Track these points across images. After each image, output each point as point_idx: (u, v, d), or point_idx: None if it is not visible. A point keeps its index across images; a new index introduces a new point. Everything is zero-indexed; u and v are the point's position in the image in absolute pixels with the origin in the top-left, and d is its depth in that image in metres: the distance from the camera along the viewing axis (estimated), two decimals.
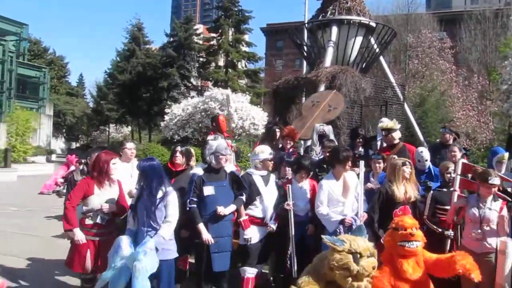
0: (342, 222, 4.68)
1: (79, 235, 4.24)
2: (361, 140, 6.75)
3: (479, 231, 4.26)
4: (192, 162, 5.62)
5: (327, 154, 5.64)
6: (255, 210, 5.01)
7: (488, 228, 4.25)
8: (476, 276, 3.64)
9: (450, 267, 3.73)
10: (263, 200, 4.98)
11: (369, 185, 5.32)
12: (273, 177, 5.24)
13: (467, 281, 4.01)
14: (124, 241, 3.95)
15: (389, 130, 6.29)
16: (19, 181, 18.09)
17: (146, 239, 3.89)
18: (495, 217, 4.25)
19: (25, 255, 6.64)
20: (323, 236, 3.91)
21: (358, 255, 3.69)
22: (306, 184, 5.26)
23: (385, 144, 6.66)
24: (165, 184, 4.14)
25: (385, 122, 6.55)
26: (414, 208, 4.80)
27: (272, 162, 5.24)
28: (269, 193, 5.04)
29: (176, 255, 4.27)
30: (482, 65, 26.06)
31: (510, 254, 4.09)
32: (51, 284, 5.40)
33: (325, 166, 5.74)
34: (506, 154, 5.43)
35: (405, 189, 4.73)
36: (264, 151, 5.20)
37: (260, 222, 4.97)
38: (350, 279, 3.68)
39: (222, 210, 4.54)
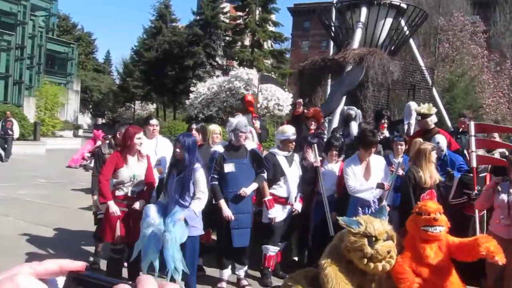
0: (379, 186, 4.76)
1: (113, 208, 4.34)
2: (385, 122, 6.67)
3: (507, 217, 4.21)
4: (217, 139, 5.67)
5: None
6: (279, 190, 5.05)
7: None
8: (500, 259, 3.59)
9: (473, 250, 3.68)
10: (287, 180, 5.02)
11: (400, 171, 5.21)
12: (297, 157, 5.26)
13: (491, 265, 3.98)
14: (152, 209, 4.05)
15: (425, 115, 6.17)
16: (48, 154, 18.57)
17: (175, 209, 3.98)
18: None
19: (53, 225, 6.87)
20: (339, 218, 3.92)
21: (374, 238, 3.69)
22: (336, 166, 5.26)
23: (413, 129, 6.57)
24: (198, 160, 4.25)
25: (422, 106, 6.43)
26: (437, 191, 4.77)
27: (293, 143, 5.20)
28: (293, 173, 5.08)
29: (202, 232, 4.36)
30: None
31: None
32: (78, 253, 5.58)
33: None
34: None
35: (430, 173, 4.69)
36: (286, 131, 5.19)
37: (284, 201, 5.02)
38: (365, 260, 3.69)
39: (244, 191, 4.60)
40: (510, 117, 19.89)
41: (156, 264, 3.90)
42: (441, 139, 5.66)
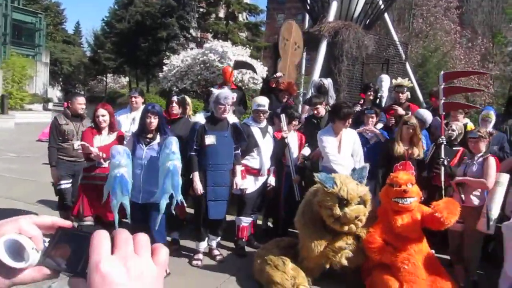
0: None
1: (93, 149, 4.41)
2: (371, 93, 6.77)
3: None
4: (189, 111, 5.64)
5: (315, 111, 5.68)
6: (252, 161, 5.07)
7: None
8: (441, 214, 3.68)
9: (435, 217, 3.78)
10: (260, 152, 5.04)
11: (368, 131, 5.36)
12: (271, 129, 5.27)
13: (451, 232, 4.14)
14: (119, 149, 3.99)
15: (401, 87, 6.26)
16: (17, 128, 18.08)
17: (169, 140, 3.97)
18: (479, 173, 4.31)
19: (24, 199, 6.74)
20: (315, 174, 3.95)
21: (345, 201, 3.75)
22: (294, 135, 5.36)
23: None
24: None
25: (389, 79, 6.52)
26: (418, 166, 4.86)
27: (265, 114, 5.22)
28: (266, 145, 5.10)
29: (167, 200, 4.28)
30: (487, 27, 25.58)
31: (502, 183, 4.20)
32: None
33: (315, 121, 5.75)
34: (492, 112, 5.52)
35: (407, 145, 4.77)
36: (259, 102, 5.19)
37: (256, 172, 5.05)
38: (332, 218, 3.77)
39: (239, 183, 4.75)
40: (479, 92, 20.31)
41: (128, 208, 3.89)
42: (425, 113, 5.72)
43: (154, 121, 4.17)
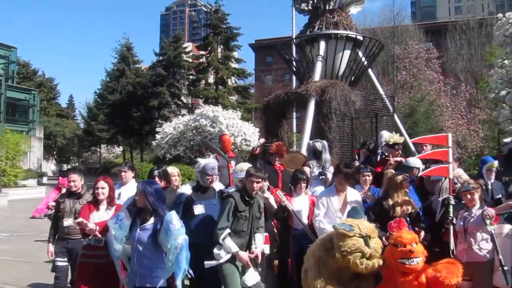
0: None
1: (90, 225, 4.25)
2: (365, 151, 6.83)
3: (464, 241, 4.29)
4: (177, 182, 5.62)
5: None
6: None
7: (472, 238, 4.26)
8: (440, 274, 3.61)
9: (439, 283, 3.69)
10: None
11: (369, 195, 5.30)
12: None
13: None
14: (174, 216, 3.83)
15: (398, 145, 6.28)
16: (10, 205, 17.86)
17: (168, 216, 3.80)
18: (480, 226, 4.24)
19: (20, 282, 6.53)
20: (333, 224, 3.92)
21: (368, 238, 3.71)
22: (305, 198, 5.28)
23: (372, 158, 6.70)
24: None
25: (390, 135, 6.54)
26: (413, 220, 4.78)
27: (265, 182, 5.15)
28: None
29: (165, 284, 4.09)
30: (469, 74, 26.42)
31: (508, 234, 4.14)
32: None
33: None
34: (496, 163, 5.51)
35: (401, 202, 4.72)
36: (244, 169, 5.13)
37: None
38: (364, 260, 3.68)
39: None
40: (470, 138, 20.58)
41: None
42: (413, 160, 5.74)
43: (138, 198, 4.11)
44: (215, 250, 4.07)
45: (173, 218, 3.73)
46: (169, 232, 3.66)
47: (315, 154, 6.63)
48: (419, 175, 5.48)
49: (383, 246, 4.00)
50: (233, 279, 4.14)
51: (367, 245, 3.69)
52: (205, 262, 4.14)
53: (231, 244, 4.05)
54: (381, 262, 3.76)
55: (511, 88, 14.43)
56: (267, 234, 4.98)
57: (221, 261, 4.09)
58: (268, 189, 5.32)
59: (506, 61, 15.74)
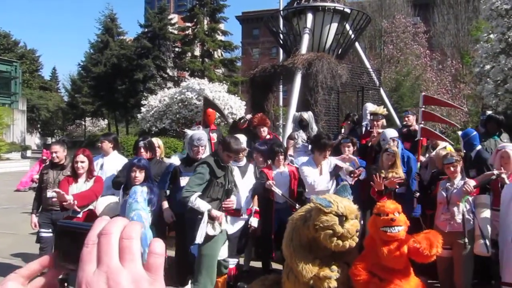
0: (351, 172, 4.88)
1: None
2: (350, 123, 6.88)
3: (446, 212, 4.39)
4: (160, 154, 5.64)
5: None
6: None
7: (455, 208, 4.36)
8: (420, 245, 3.68)
9: (419, 252, 3.76)
10: (239, 192, 4.95)
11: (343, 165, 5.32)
12: (251, 167, 5.22)
13: (439, 258, 4.12)
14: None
15: (376, 115, 6.35)
16: None
17: (133, 190, 3.82)
18: (462, 196, 4.34)
19: (5, 253, 6.53)
20: (312, 196, 3.95)
21: (344, 218, 3.74)
22: (285, 170, 5.30)
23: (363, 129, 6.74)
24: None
25: (375, 107, 6.62)
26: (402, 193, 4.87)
27: (243, 152, 5.14)
28: (245, 185, 5.00)
29: None
30: (455, 49, 26.45)
31: (486, 204, 4.26)
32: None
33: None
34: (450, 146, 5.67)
35: (389, 175, 4.80)
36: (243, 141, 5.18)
37: (235, 213, 4.93)
38: (334, 239, 3.72)
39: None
40: (454, 112, 20.76)
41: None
42: (388, 131, 5.81)
43: (139, 176, 4.12)
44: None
45: (136, 191, 3.78)
46: (128, 205, 3.72)
47: (301, 124, 6.63)
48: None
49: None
50: (211, 261, 4.14)
51: (341, 224, 3.70)
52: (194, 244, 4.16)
53: (201, 204, 4.06)
54: (353, 244, 3.78)
55: (495, 62, 14.51)
56: (257, 208, 5.05)
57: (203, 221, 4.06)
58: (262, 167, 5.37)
59: (491, 35, 15.77)
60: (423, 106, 5.34)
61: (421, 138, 5.26)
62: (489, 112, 7.43)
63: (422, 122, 5.23)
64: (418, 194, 5.03)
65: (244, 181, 5.01)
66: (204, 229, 3.99)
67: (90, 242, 0.57)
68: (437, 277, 4.68)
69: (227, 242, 4.29)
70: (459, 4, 26.75)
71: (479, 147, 5.32)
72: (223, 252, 4.25)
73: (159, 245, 0.58)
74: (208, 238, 3.99)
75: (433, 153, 5.35)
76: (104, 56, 37.00)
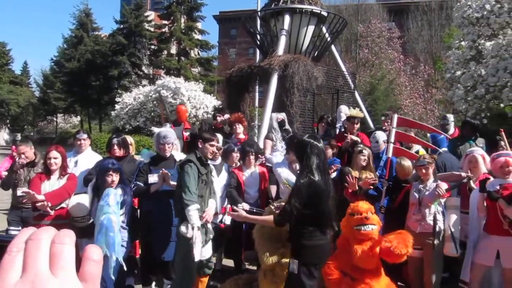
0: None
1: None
2: (324, 124, 6.95)
3: (418, 213, 4.49)
4: (132, 151, 5.58)
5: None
6: None
7: (427, 210, 4.46)
8: (391, 244, 3.75)
9: (391, 253, 3.83)
10: (215, 193, 4.93)
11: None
12: (225, 166, 5.23)
13: (409, 258, 4.20)
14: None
15: (354, 118, 6.41)
16: None
17: (106, 192, 3.79)
18: (434, 199, 4.45)
19: None
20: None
21: None
22: (255, 170, 5.31)
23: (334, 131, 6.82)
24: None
25: (349, 109, 6.68)
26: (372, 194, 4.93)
27: (219, 151, 5.17)
28: (220, 183, 5.01)
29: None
30: (428, 55, 27.07)
31: (456, 206, 4.36)
32: None
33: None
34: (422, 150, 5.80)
35: (362, 176, 4.87)
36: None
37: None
38: None
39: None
40: (426, 117, 21.22)
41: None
42: (378, 133, 5.90)
43: (116, 179, 4.09)
44: (182, 229, 3.94)
45: (108, 194, 3.75)
46: (99, 208, 3.69)
47: (281, 125, 6.65)
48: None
49: None
50: (191, 263, 4.07)
51: None
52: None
53: (195, 218, 3.98)
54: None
55: (466, 68, 14.87)
56: (230, 206, 5.05)
57: (189, 236, 3.94)
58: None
59: (463, 43, 16.15)
60: (395, 127, 5.30)
61: (390, 157, 5.21)
62: (448, 115, 7.66)
63: (392, 141, 5.23)
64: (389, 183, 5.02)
65: (220, 179, 5.02)
66: (199, 245, 3.93)
67: (14, 249, 0.50)
68: (404, 280, 4.78)
69: (210, 242, 4.27)
70: (433, 11, 27.38)
71: (443, 149, 5.57)
72: (206, 252, 4.22)
73: (96, 251, 0.53)
74: (187, 239, 3.95)
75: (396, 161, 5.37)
76: (78, 52, 36.30)
